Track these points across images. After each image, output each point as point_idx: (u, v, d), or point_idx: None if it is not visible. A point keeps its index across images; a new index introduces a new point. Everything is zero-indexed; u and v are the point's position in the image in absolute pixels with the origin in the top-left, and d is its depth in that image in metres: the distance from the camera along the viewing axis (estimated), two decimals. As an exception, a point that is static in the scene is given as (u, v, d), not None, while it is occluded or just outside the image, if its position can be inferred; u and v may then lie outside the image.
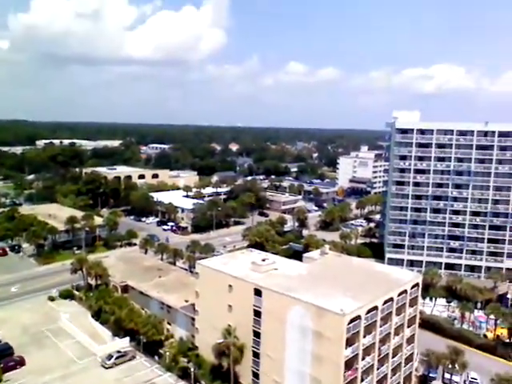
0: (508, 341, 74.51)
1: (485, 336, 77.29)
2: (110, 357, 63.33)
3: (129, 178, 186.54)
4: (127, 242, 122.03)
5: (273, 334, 54.18)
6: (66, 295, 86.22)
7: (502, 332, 76.26)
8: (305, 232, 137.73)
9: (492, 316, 77.39)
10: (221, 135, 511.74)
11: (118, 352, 64.33)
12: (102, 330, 71.77)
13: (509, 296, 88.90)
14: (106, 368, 62.27)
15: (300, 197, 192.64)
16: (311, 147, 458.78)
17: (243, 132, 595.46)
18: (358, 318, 49.85)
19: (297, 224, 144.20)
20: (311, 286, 55.36)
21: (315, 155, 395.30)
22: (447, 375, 61.85)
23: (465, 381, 63.84)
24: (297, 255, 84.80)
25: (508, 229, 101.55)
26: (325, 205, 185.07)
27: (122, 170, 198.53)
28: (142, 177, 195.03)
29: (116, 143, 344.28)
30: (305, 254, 73.85)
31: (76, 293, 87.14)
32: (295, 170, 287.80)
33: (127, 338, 68.20)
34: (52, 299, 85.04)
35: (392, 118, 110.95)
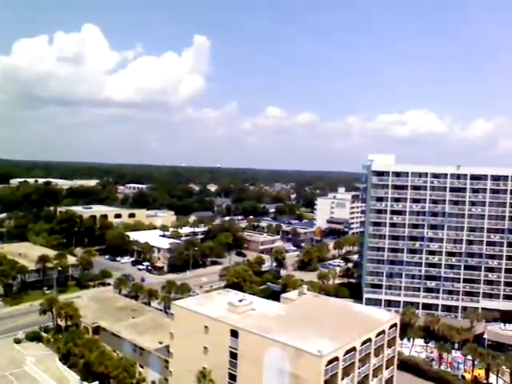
0: (485, 382, 74.00)
1: (463, 377, 76.47)
2: (77, 403, 60.08)
3: (105, 217, 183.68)
4: (101, 282, 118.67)
5: (249, 376, 52.55)
6: (33, 337, 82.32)
7: (480, 373, 75.73)
8: (283, 272, 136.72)
9: (469, 356, 77.02)
10: (199, 176, 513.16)
11: (86, 398, 61.13)
12: (70, 374, 68.34)
13: (485, 336, 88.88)
14: (73, 415, 58.91)
15: (278, 237, 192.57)
16: (289, 188, 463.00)
17: (222, 173, 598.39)
18: (336, 359, 48.99)
19: (275, 264, 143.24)
20: (289, 327, 54.46)
21: (293, 196, 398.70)
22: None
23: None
24: (275, 295, 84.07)
25: (483, 269, 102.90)
26: (303, 245, 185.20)
27: (97, 209, 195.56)
28: (118, 216, 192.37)
29: (93, 183, 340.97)
30: (282, 295, 73.20)
31: (44, 335, 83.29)
32: (273, 210, 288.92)
33: (96, 383, 64.96)
34: (18, 341, 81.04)
35: (368, 161, 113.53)
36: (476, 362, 75.62)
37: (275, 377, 50.02)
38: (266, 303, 65.88)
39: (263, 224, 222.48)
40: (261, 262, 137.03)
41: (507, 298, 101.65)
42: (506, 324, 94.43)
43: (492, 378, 74.03)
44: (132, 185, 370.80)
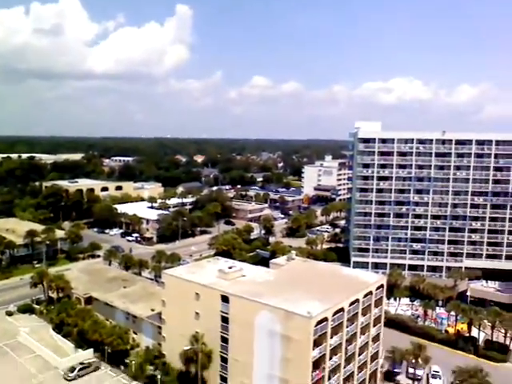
0: (468, 335, 77.20)
1: (446, 331, 79.86)
2: (72, 369, 61.37)
3: (91, 190, 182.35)
4: (90, 254, 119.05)
5: (241, 339, 53.96)
6: (25, 309, 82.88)
7: (462, 327, 78.95)
8: (271, 239, 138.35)
9: (452, 312, 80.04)
10: (186, 147, 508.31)
11: (81, 364, 62.38)
12: (64, 342, 69.44)
13: (468, 293, 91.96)
14: (69, 380, 60.32)
15: (266, 205, 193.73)
16: (276, 157, 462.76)
17: (209, 144, 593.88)
18: (325, 319, 50.41)
19: (263, 232, 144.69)
20: (278, 291, 55.54)
21: (280, 165, 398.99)
22: (411, 370, 63.33)
23: (427, 374, 65.81)
24: (264, 262, 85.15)
25: (466, 230, 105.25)
26: (291, 212, 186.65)
27: (84, 183, 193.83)
28: (105, 189, 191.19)
29: (78, 157, 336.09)
30: (272, 261, 74.19)
31: (36, 307, 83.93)
32: (261, 179, 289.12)
33: (91, 350, 66.23)
34: (10, 314, 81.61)
35: (354, 129, 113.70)
36: (459, 318, 78.72)
37: (266, 339, 51.45)
38: (255, 269, 66.92)
39: (251, 193, 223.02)
40: (249, 230, 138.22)
41: (489, 257, 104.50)
42: (488, 281, 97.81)
43: (474, 331, 77.15)
44: (118, 158, 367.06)
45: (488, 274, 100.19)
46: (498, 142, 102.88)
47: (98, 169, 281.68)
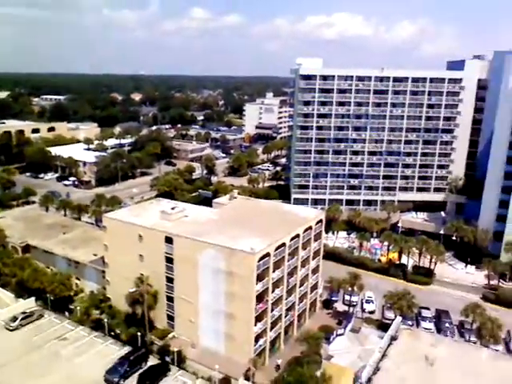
0: (398, 262, 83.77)
1: (379, 260, 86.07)
2: (14, 319, 60.18)
3: (21, 132, 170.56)
4: (25, 201, 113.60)
5: (186, 278, 55.11)
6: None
7: (394, 255, 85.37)
8: (213, 179, 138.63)
9: (385, 243, 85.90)
10: (122, 84, 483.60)
11: (23, 313, 61.27)
12: (3, 293, 67.63)
13: (399, 224, 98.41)
14: (11, 330, 59.23)
15: (207, 144, 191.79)
16: (217, 95, 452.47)
17: (146, 80, 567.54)
18: (268, 255, 52.29)
19: (205, 171, 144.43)
20: (222, 230, 56.54)
21: (221, 103, 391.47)
22: (347, 297, 68.12)
23: (362, 299, 71.18)
24: (206, 202, 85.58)
25: (400, 165, 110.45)
26: (232, 151, 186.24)
27: (11, 124, 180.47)
28: (36, 131, 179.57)
29: (3, 95, 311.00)
30: (214, 200, 75.12)
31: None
32: (202, 118, 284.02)
33: (32, 298, 65.00)
34: None
35: (296, 65, 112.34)
36: (391, 247, 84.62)
37: (211, 276, 52.90)
38: (198, 209, 67.24)
39: (192, 132, 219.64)
40: (191, 171, 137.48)
41: (419, 190, 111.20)
42: (417, 213, 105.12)
43: (404, 259, 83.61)
44: (48, 96, 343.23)
45: (418, 206, 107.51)
46: (431, 80, 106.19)
47: (27, 108, 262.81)
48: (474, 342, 58.02)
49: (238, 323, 52.14)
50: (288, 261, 57.04)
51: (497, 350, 55.67)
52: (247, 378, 50.29)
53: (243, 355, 51.62)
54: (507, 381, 43.64)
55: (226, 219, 62.50)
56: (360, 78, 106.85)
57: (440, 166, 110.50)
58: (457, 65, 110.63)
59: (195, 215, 62.75)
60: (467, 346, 54.23)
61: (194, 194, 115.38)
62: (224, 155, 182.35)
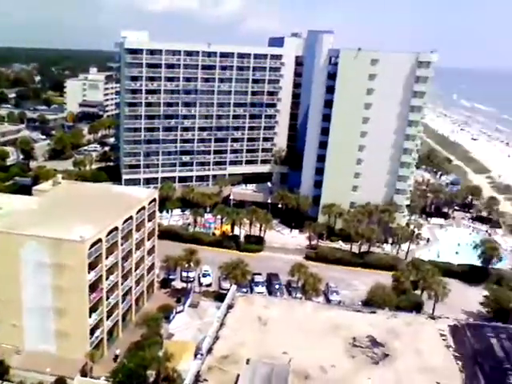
0: (231, 234, 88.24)
1: (213, 234, 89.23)
2: None
3: None
4: None
5: (6, 277, 49.40)
6: None
7: (227, 228, 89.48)
8: (32, 164, 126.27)
9: (218, 216, 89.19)
10: None
11: None
12: None
13: (231, 197, 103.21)
14: None
15: (23, 125, 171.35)
16: (32, 69, 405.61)
17: None
18: (99, 241, 50.15)
19: (22, 156, 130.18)
20: (44, 220, 52.19)
21: (38, 78, 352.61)
22: (184, 274, 69.41)
23: (199, 274, 73.28)
24: (25, 190, 77.86)
25: (229, 140, 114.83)
26: (53, 132, 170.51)
27: None
28: None
29: None
30: (34, 187, 69.26)
31: None
32: (14, 95, 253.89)
33: None
34: None
35: (121, 38, 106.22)
36: (224, 220, 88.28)
37: (35, 271, 48.44)
38: (15, 199, 61.02)
39: (3, 112, 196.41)
40: (4, 156, 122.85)
41: (248, 163, 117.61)
42: (248, 184, 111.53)
43: (236, 230, 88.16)
44: None
45: (247, 178, 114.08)
46: (255, 56, 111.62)
47: None
48: (300, 298, 64.63)
49: (71, 318, 48.99)
50: (122, 245, 55.57)
51: (318, 302, 63.00)
52: (84, 375, 47.88)
53: (78, 351, 48.98)
54: (327, 326, 49.83)
55: (49, 207, 57.51)
56: (188, 53, 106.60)
57: (265, 139, 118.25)
58: (277, 42, 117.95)
59: (11, 206, 56.19)
60: (294, 302, 60.02)
61: (8, 183, 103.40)
62: (44, 137, 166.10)
